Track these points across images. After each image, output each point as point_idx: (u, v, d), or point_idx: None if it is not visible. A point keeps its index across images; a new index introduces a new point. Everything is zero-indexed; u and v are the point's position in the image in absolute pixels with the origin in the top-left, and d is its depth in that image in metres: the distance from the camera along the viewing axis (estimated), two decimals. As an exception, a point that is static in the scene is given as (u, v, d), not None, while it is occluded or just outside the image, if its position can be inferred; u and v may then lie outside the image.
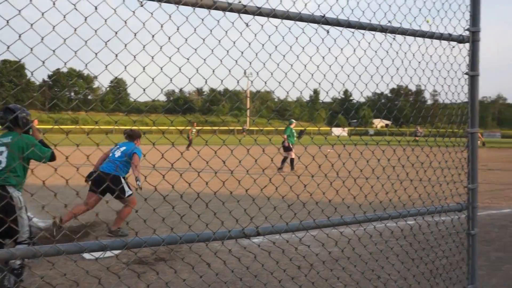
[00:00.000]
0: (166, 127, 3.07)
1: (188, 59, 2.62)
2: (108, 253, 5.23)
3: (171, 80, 2.67)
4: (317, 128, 3.89)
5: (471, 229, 3.92)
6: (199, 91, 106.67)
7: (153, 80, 2.57)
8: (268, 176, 3.20)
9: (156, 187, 2.67)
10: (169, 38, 2.55)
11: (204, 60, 2.72)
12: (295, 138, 17.91)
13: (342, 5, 3.30)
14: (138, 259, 5.84)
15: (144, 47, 2.50)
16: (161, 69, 2.59)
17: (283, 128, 18.24)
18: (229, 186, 2.74)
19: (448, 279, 4.39)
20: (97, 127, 2.68)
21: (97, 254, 2.71)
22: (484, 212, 9.72)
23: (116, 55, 2.40)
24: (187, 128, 33.78)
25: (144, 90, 2.56)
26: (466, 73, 3.85)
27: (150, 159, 2.93)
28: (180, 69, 2.62)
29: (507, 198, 11.94)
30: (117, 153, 7.87)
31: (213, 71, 2.74)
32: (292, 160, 17.62)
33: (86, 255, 5.59)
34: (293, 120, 18.63)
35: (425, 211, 3.73)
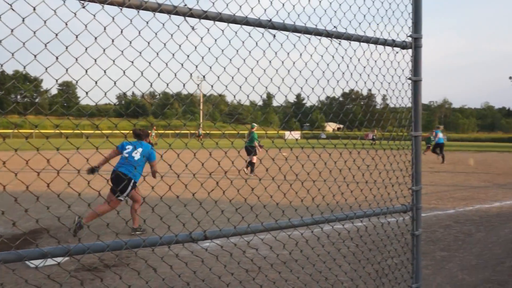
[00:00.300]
0: (110, 131, 3.02)
1: (132, 62, 2.58)
2: (51, 261, 5.08)
3: (115, 83, 2.61)
4: (265, 132, 3.90)
5: (415, 230, 4.02)
6: (151, 95, 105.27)
7: (96, 83, 2.51)
8: (215, 179, 3.19)
9: (100, 192, 2.61)
10: (113, 41, 2.50)
11: (149, 63, 2.68)
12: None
13: (288, 10, 3.32)
14: (83, 267, 5.70)
15: (86, 49, 2.45)
16: (105, 72, 2.54)
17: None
18: (175, 190, 2.71)
19: (393, 279, 4.49)
20: (37, 131, 2.60)
21: (37, 262, 2.63)
22: (430, 213, 10.01)
23: (57, 58, 2.33)
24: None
25: (87, 93, 2.51)
26: (409, 78, 3.96)
27: (94, 163, 2.87)
28: (124, 72, 2.58)
29: (452, 199, 12.34)
30: (136, 156, 7.56)
31: (159, 74, 2.71)
32: (253, 163, 17.79)
33: (30, 264, 5.41)
34: (254, 124, 18.79)
35: (371, 213, 3.80)
